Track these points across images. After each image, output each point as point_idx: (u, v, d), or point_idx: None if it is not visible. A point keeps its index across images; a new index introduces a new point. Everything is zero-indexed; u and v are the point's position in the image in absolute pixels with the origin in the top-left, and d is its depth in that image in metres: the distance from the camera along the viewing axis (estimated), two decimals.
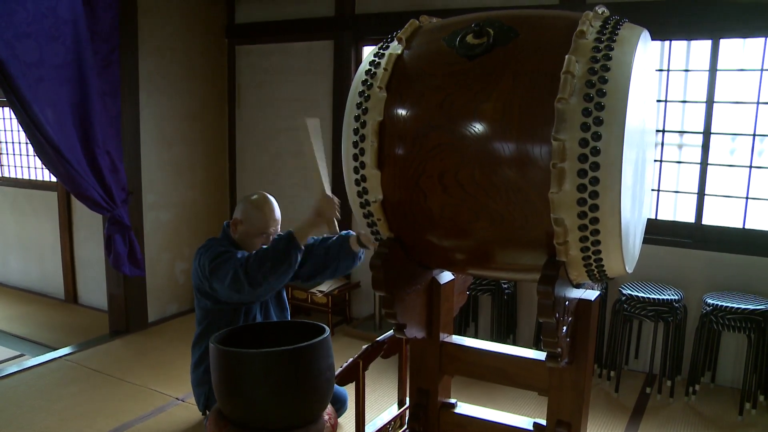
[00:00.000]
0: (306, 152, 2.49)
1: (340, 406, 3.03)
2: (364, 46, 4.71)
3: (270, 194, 2.90)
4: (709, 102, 3.66)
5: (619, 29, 1.66)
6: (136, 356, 4.11)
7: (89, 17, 3.88)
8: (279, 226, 2.88)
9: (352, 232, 2.86)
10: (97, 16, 3.95)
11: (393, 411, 2.82)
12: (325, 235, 2.93)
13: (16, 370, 3.82)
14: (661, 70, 3.79)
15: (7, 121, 6.02)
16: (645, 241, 2.18)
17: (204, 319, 2.90)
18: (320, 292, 4.54)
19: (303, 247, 2.60)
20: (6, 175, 6.12)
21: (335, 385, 2.60)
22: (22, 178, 5.94)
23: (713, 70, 3.63)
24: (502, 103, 1.65)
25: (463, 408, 2.37)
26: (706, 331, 3.49)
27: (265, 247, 2.64)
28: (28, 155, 5.86)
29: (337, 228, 2.64)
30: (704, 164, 3.73)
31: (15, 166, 6.05)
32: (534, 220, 1.67)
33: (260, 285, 2.53)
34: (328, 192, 2.60)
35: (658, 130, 3.79)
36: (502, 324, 4.07)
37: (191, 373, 3.02)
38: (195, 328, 2.98)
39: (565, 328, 1.82)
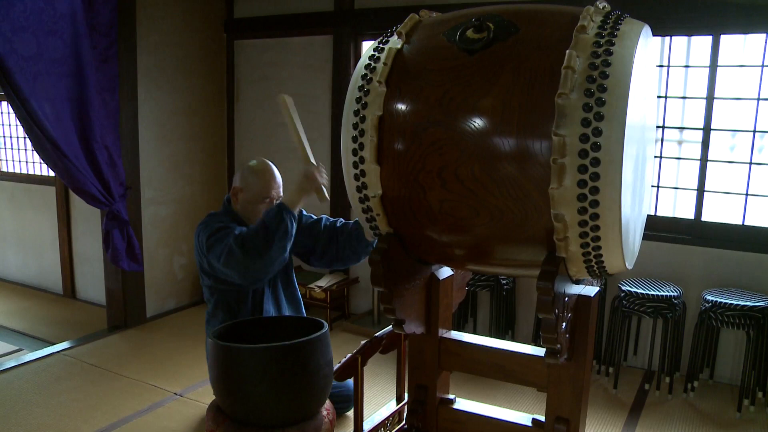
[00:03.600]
0: (288, 126, 2.64)
1: (347, 405, 3.02)
2: (363, 41, 4.70)
3: None
4: (710, 98, 3.66)
5: (620, 24, 1.66)
6: (134, 351, 4.11)
7: (87, 11, 3.86)
8: (281, 190, 2.84)
9: None
10: (95, 10, 3.93)
11: (391, 407, 2.82)
12: (342, 221, 2.92)
13: (14, 364, 3.81)
14: (661, 66, 3.79)
15: (5, 116, 6.00)
16: (644, 237, 2.17)
17: (212, 296, 2.84)
18: (318, 287, 4.54)
19: (295, 214, 2.56)
20: (4, 169, 6.11)
21: (343, 382, 2.60)
22: (20, 173, 5.92)
23: (714, 66, 3.62)
24: (502, 99, 1.64)
25: (462, 404, 2.37)
26: (705, 328, 3.49)
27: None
28: (26, 150, 5.84)
29: (327, 195, 2.63)
30: (704, 160, 3.72)
31: (13, 161, 6.03)
32: (534, 216, 1.67)
33: (255, 255, 2.46)
34: (312, 160, 2.62)
35: (658, 126, 3.78)
36: (501, 320, 4.07)
37: (206, 352, 2.95)
38: (200, 316, 2.93)
39: (564, 324, 1.82)
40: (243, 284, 2.68)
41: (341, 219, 2.96)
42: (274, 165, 2.90)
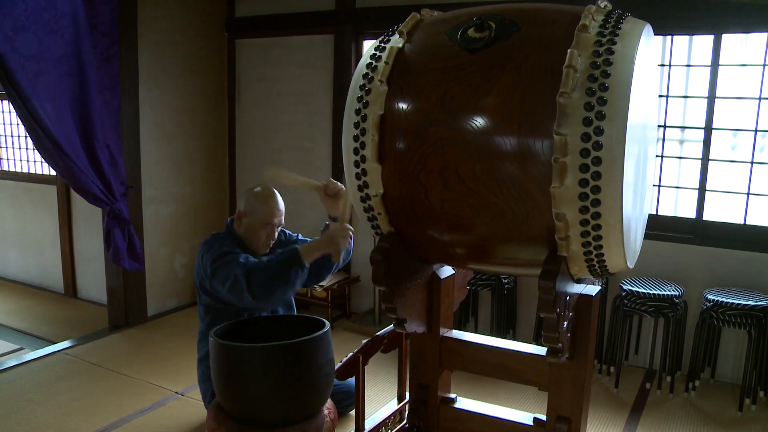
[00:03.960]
0: (299, 185, 2.73)
1: (349, 404, 3.02)
2: (364, 40, 4.70)
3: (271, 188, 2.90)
4: (711, 97, 3.65)
5: (622, 23, 1.65)
6: (135, 350, 4.11)
7: (88, 10, 3.86)
8: (283, 218, 2.87)
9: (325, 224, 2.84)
10: (96, 9, 3.93)
11: (393, 406, 2.82)
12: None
13: (15, 363, 3.81)
14: (662, 65, 3.78)
15: (7, 115, 6.00)
16: (646, 236, 2.17)
17: (207, 315, 2.87)
18: (320, 286, 4.53)
19: (307, 266, 2.55)
20: (5, 168, 6.11)
21: (345, 381, 2.60)
22: (22, 172, 5.92)
23: (715, 65, 3.62)
24: (503, 98, 1.64)
25: (463, 403, 2.37)
26: (707, 327, 3.48)
27: (267, 258, 2.60)
28: (27, 149, 5.85)
29: (341, 259, 2.62)
30: (705, 160, 3.72)
31: (14, 160, 6.03)
32: (535, 215, 1.67)
33: (260, 296, 2.49)
34: (346, 221, 2.61)
35: (659, 126, 3.78)
36: (502, 319, 4.06)
37: (197, 368, 3.00)
38: (198, 322, 2.97)
39: (565, 323, 1.82)
40: (247, 311, 2.75)
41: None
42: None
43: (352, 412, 3.00)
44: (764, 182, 3.63)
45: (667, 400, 3.51)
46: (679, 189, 3.89)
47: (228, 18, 5.12)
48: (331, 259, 2.70)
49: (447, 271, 2.27)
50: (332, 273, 2.93)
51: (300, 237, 3.04)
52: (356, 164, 1.87)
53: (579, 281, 1.93)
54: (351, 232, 2.62)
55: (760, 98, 3.55)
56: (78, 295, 5.36)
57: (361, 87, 1.85)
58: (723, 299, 3.35)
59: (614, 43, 1.58)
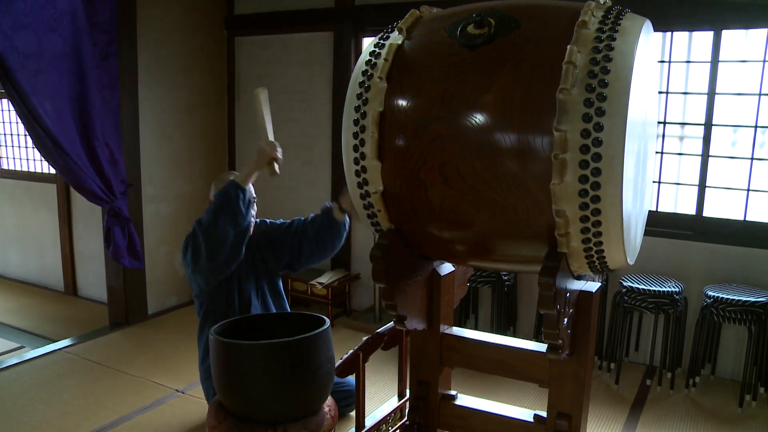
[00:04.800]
0: (257, 113, 2.83)
1: (349, 402, 3.03)
2: (364, 37, 4.69)
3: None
4: (711, 93, 3.65)
5: (622, 20, 1.65)
6: (135, 348, 4.12)
7: (88, 8, 3.85)
8: (253, 193, 2.93)
9: (330, 203, 2.96)
10: (95, 7, 3.92)
11: (393, 403, 2.82)
12: (311, 215, 3.01)
13: (15, 362, 3.82)
14: (662, 62, 3.78)
15: (6, 113, 6.00)
16: (646, 232, 2.17)
17: (201, 308, 2.93)
18: (320, 283, 4.54)
19: (246, 188, 2.71)
20: (5, 167, 6.11)
21: (345, 379, 2.60)
22: (21, 171, 5.92)
23: (715, 61, 3.61)
24: (503, 94, 1.64)
25: (464, 400, 2.37)
26: (707, 324, 3.48)
27: None
28: (27, 147, 5.84)
29: (278, 170, 2.79)
30: (705, 156, 3.72)
31: (14, 159, 6.03)
32: (535, 212, 1.67)
33: (210, 233, 2.62)
34: (271, 138, 2.80)
35: (659, 122, 3.77)
36: (503, 316, 4.07)
37: (199, 368, 3.02)
38: (197, 320, 3.00)
39: (565, 319, 1.82)
40: (212, 272, 2.78)
41: (314, 214, 3.02)
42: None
43: (353, 413, 3.01)
44: (764, 178, 3.63)
45: (667, 397, 3.51)
46: (679, 185, 3.89)
47: (227, 15, 5.12)
48: (335, 227, 2.87)
49: (447, 268, 2.27)
50: (338, 245, 2.98)
51: (278, 221, 3.11)
52: (356, 161, 1.86)
53: (579, 278, 1.93)
54: (278, 145, 2.78)
55: (760, 94, 3.55)
56: (78, 294, 5.36)
57: (361, 84, 1.85)
58: (723, 295, 3.35)
59: (614, 40, 1.58)
